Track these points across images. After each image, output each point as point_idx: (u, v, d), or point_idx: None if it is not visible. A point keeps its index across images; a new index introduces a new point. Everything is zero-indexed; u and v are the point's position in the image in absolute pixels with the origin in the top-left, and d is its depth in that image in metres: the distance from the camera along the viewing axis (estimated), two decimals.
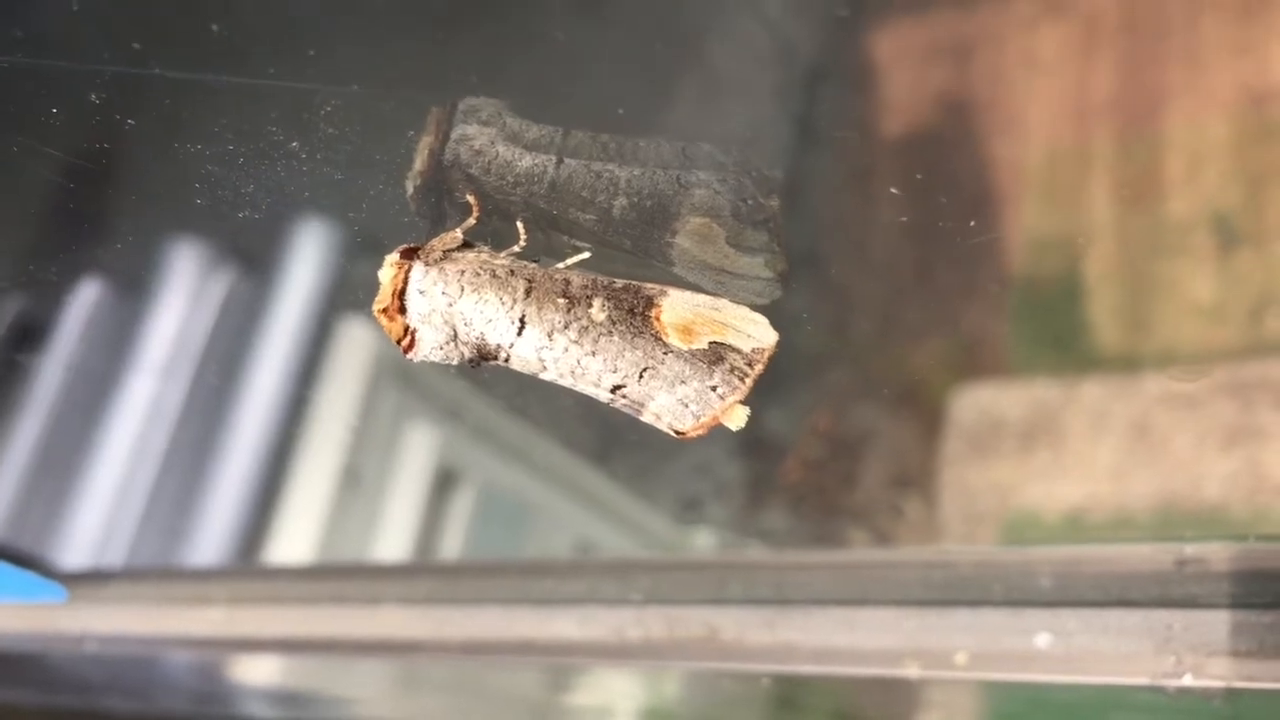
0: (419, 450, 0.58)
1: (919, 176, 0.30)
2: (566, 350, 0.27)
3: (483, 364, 0.28)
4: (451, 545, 0.60)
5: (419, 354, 0.28)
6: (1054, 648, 0.35)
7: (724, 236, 0.28)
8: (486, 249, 0.28)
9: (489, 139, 0.29)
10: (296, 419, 0.55)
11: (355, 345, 0.54)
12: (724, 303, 0.26)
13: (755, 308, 0.26)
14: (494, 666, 0.46)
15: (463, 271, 0.27)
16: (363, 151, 0.30)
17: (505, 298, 0.27)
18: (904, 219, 0.32)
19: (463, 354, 0.28)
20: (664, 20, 0.34)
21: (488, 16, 0.31)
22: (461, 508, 0.59)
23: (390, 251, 0.28)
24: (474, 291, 0.27)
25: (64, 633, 0.52)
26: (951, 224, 0.32)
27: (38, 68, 0.29)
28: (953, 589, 0.36)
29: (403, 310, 0.27)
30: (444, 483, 0.59)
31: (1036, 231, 0.35)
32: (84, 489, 0.52)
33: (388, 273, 0.27)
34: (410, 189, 0.29)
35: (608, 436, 0.46)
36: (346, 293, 0.50)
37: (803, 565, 0.41)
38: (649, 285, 0.27)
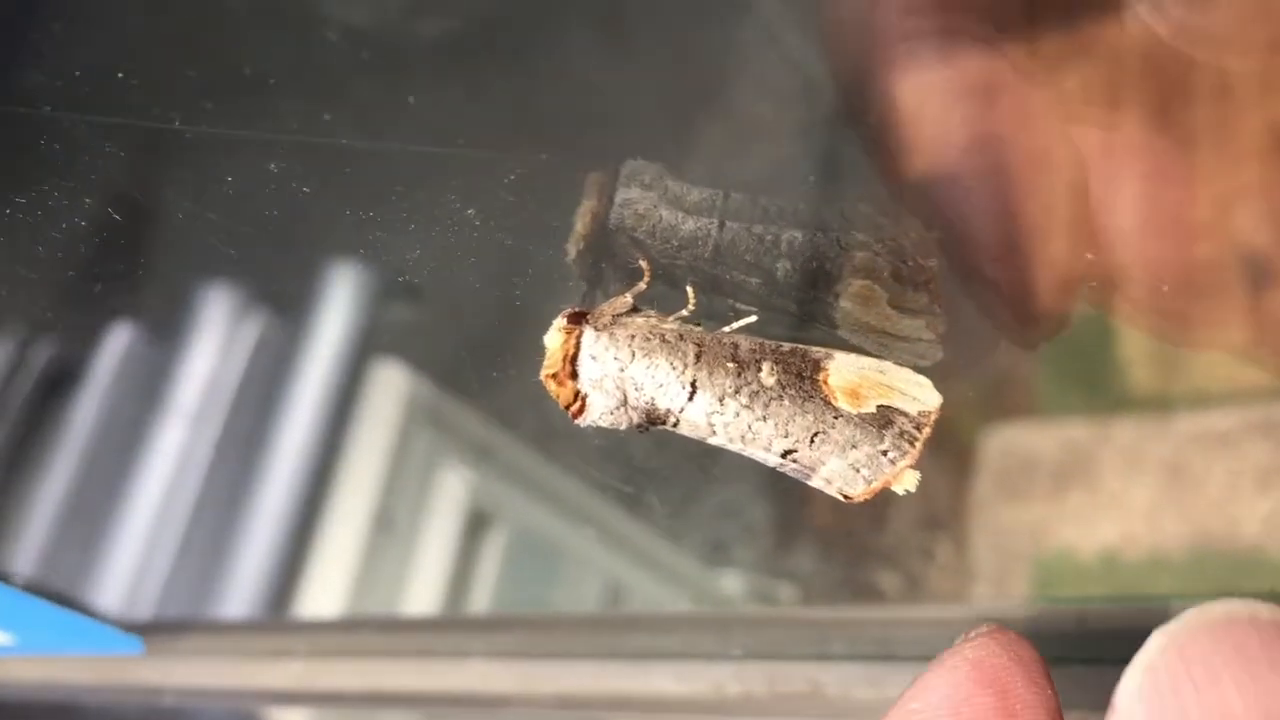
0: (451, 493, 0.58)
1: (946, 216, 0.30)
2: (738, 415, 0.27)
3: (650, 429, 0.28)
4: (484, 588, 0.60)
5: (588, 419, 0.28)
6: None
7: (885, 299, 0.28)
8: (654, 313, 0.28)
9: (652, 203, 0.29)
10: (329, 464, 0.55)
11: (386, 388, 0.54)
12: (889, 365, 0.26)
13: (917, 369, 0.26)
14: None
15: (633, 336, 0.27)
16: (537, 218, 0.30)
17: (676, 362, 0.27)
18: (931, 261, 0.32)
19: (631, 419, 0.27)
20: (686, 61, 0.34)
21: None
22: (493, 551, 0.59)
23: (556, 316, 0.27)
24: (645, 356, 0.27)
25: (141, 684, 0.52)
26: (979, 264, 0.32)
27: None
28: (1065, 645, 0.35)
29: (574, 375, 0.27)
30: (476, 526, 0.59)
31: (1065, 271, 0.35)
32: (116, 533, 0.53)
33: (557, 338, 0.27)
34: (573, 253, 0.29)
35: (635, 477, 0.46)
36: (378, 336, 0.51)
37: (908, 620, 0.40)
38: (814, 349, 0.27)
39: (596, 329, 0.27)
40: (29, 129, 0.30)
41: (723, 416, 0.27)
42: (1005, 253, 0.32)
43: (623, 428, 0.28)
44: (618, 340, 0.27)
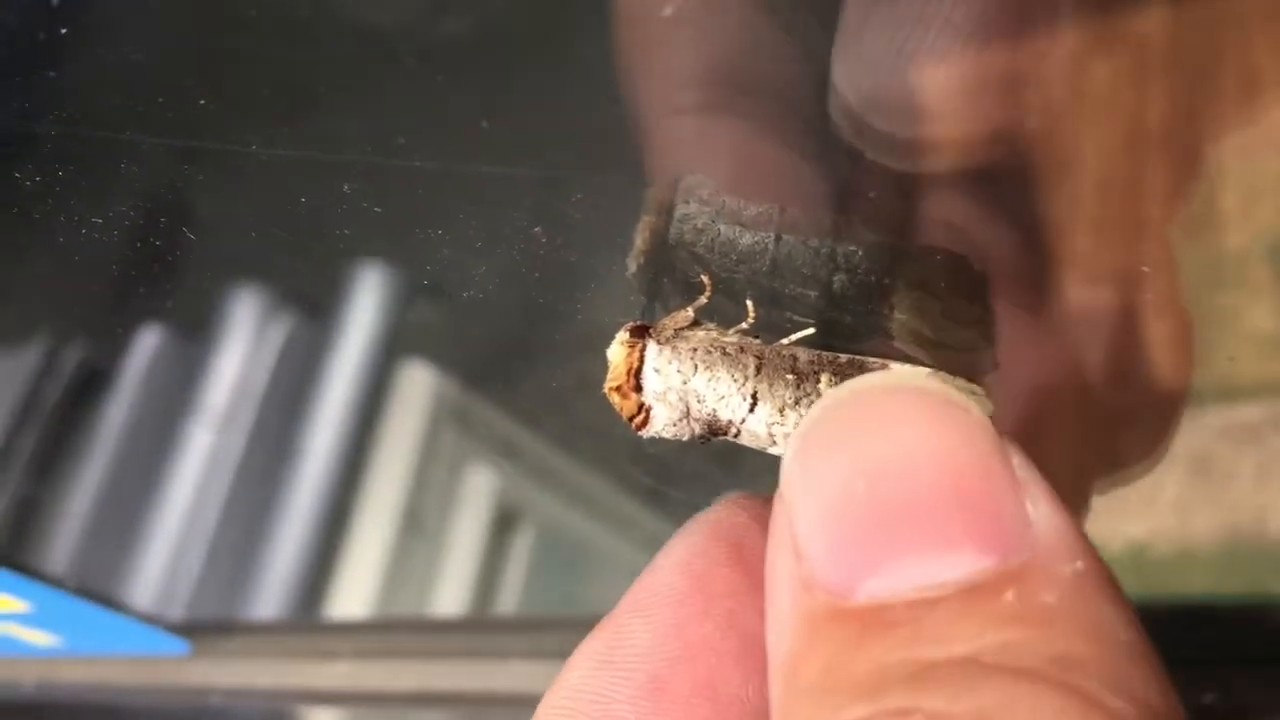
0: (478, 492, 0.59)
1: (969, 210, 0.30)
2: (798, 425, 0.26)
3: (711, 440, 0.28)
4: (513, 587, 0.60)
5: (651, 431, 0.28)
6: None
7: (940, 309, 0.28)
8: (714, 326, 0.28)
9: (709, 217, 0.29)
10: (358, 463, 0.55)
11: (414, 388, 0.55)
12: (944, 375, 0.26)
13: (971, 379, 0.26)
14: None
15: (695, 350, 0.27)
16: (602, 232, 0.30)
17: (737, 375, 0.27)
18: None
19: (693, 430, 0.28)
20: None
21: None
22: (521, 549, 0.59)
23: (619, 330, 0.28)
24: (707, 369, 0.27)
25: (187, 685, 0.52)
26: (1004, 257, 0.32)
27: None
28: None
29: (638, 389, 0.28)
30: (504, 524, 0.59)
31: (1091, 264, 0.34)
32: (149, 534, 0.53)
33: (620, 351, 0.28)
34: (633, 267, 0.29)
35: (662, 474, 0.47)
36: (406, 336, 0.51)
37: None
38: (871, 360, 0.27)
39: (659, 343, 0.28)
40: (104, 152, 0.30)
41: (783, 427, 0.27)
42: (1030, 249, 0.32)
43: (685, 438, 0.28)
44: (680, 354, 0.28)
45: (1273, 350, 0.38)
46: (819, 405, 0.23)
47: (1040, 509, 0.21)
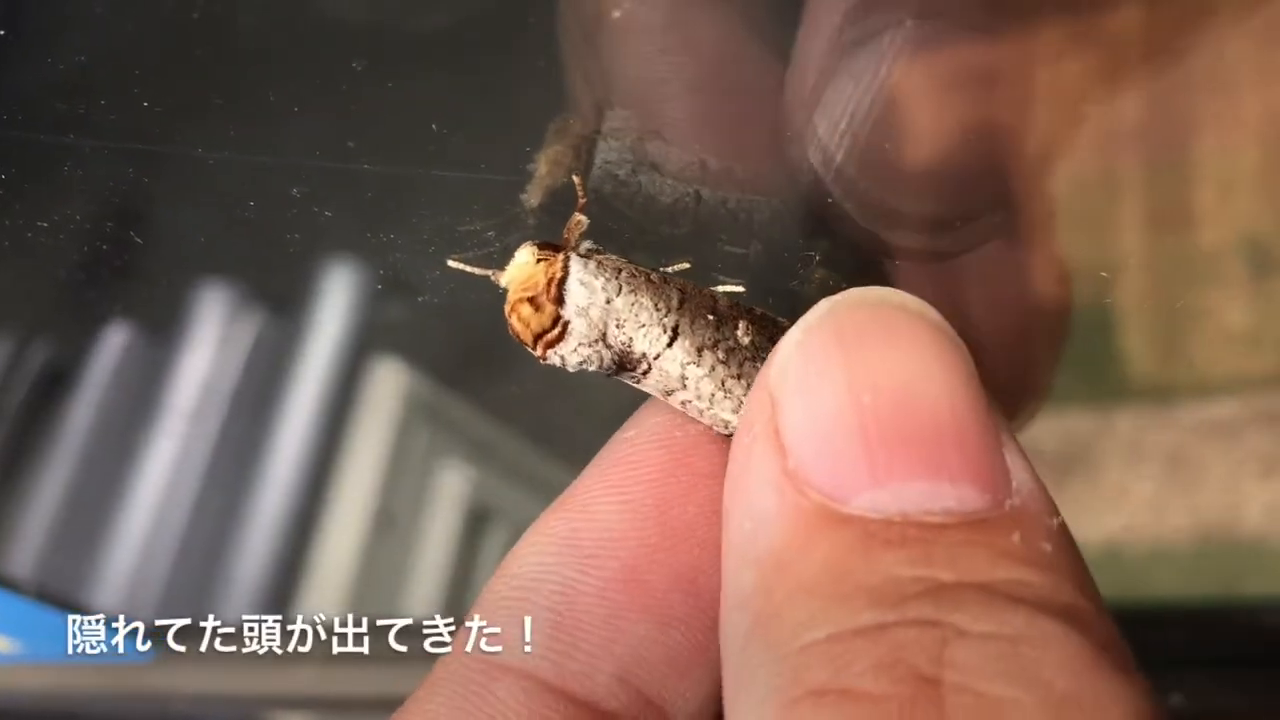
0: (451, 491, 0.58)
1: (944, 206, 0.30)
2: (713, 369, 0.26)
3: (617, 374, 0.27)
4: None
5: (564, 348, 0.26)
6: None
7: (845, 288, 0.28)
8: (622, 259, 0.27)
9: (631, 168, 0.28)
10: (328, 462, 0.55)
11: (385, 386, 0.54)
12: None
13: None
14: None
15: (620, 270, 0.26)
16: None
17: (660, 304, 0.26)
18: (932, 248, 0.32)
19: (602, 358, 0.26)
20: None
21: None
22: (495, 548, 0.59)
23: (523, 247, 0.26)
24: (631, 292, 0.26)
25: (151, 692, 0.52)
26: (978, 253, 0.32)
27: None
28: None
29: (559, 300, 0.26)
30: (476, 523, 0.59)
31: (1065, 261, 0.34)
32: (114, 536, 0.52)
33: (529, 260, 0.26)
34: (534, 201, 0.28)
35: None
36: (377, 333, 0.50)
37: None
38: (783, 320, 0.27)
39: (584, 257, 0.26)
40: (49, 155, 0.30)
41: (698, 369, 0.26)
42: (1006, 242, 0.32)
43: (590, 368, 0.27)
44: (606, 270, 0.26)
45: (1246, 347, 0.38)
46: (826, 303, 0.23)
47: (1015, 462, 0.22)
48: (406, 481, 0.57)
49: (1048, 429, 0.46)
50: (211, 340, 0.48)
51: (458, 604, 0.59)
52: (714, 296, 0.26)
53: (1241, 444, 0.42)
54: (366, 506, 0.56)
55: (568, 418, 0.30)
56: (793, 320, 0.25)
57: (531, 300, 0.26)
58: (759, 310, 0.26)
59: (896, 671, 0.19)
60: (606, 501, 0.26)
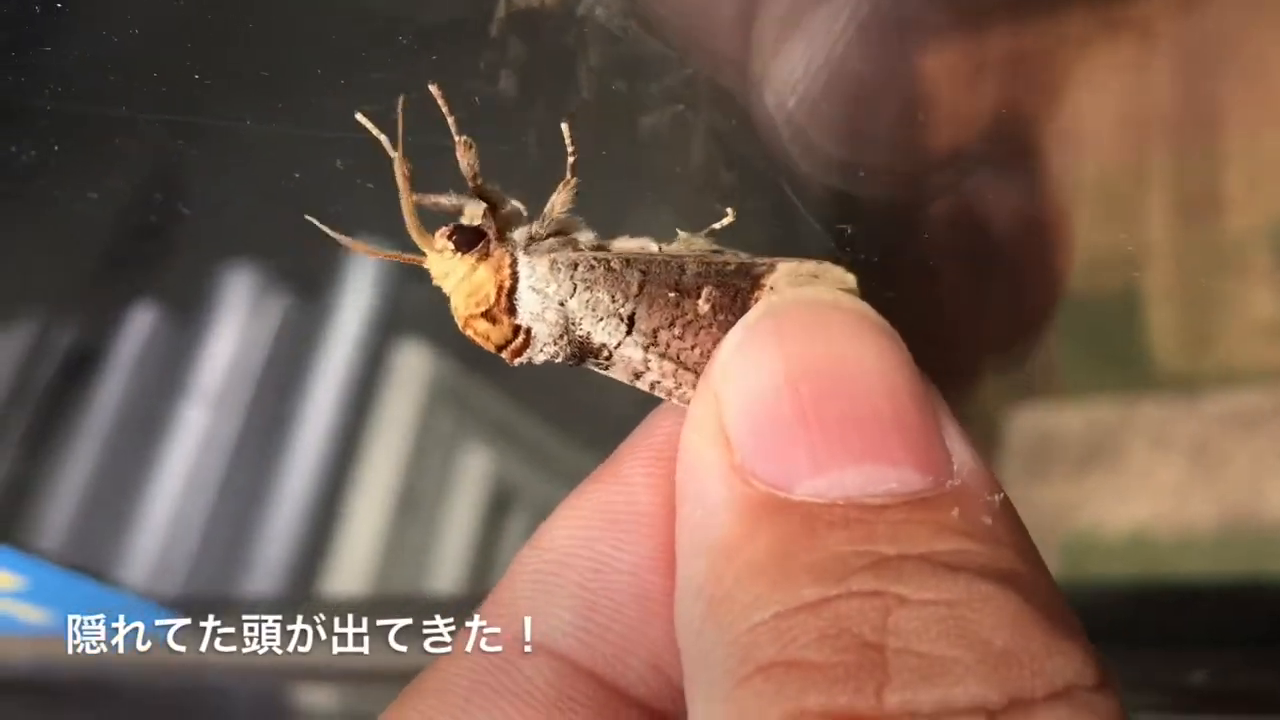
0: (474, 472, 0.59)
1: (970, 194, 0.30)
2: (669, 346, 0.26)
3: (582, 363, 0.26)
4: (507, 566, 0.60)
5: (531, 354, 0.26)
6: None
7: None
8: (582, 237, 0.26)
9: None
10: (353, 444, 0.55)
11: (409, 368, 0.54)
12: (827, 265, 0.25)
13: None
14: None
15: (575, 266, 0.25)
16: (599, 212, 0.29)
17: (619, 294, 0.25)
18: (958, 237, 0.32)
19: (565, 351, 0.26)
20: None
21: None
22: (517, 528, 0.59)
23: (437, 236, 0.25)
24: (586, 290, 0.25)
25: (181, 662, 0.52)
26: (1006, 242, 0.32)
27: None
28: (1092, 624, 0.35)
29: (511, 311, 0.25)
30: (499, 504, 0.59)
31: (1092, 249, 0.34)
32: (143, 513, 0.53)
33: (465, 268, 0.25)
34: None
35: None
36: (401, 316, 0.51)
37: None
38: (761, 262, 0.26)
39: (529, 255, 0.25)
40: (101, 128, 0.30)
41: (657, 348, 0.26)
42: (1031, 229, 0.32)
43: (558, 360, 0.26)
44: (559, 270, 0.25)
45: (1272, 337, 0.38)
46: (764, 304, 0.24)
47: (955, 444, 0.23)
48: (430, 462, 0.57)
49: (1071, 418, 0.46)
50: (239, 321, 0.49)
51: (480, 585, 0.59)
52: (682, 267, 0.26)
53: (1267, 433, 0.42)
54: (391, 487, 0.56)
55: (591, 400, 0.30)
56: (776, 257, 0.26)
57: (485, 314, 0.25)
58: (733, 264, 0.26)
59: (841, 641, 0.20)
60: (645, 477, 0.27)
